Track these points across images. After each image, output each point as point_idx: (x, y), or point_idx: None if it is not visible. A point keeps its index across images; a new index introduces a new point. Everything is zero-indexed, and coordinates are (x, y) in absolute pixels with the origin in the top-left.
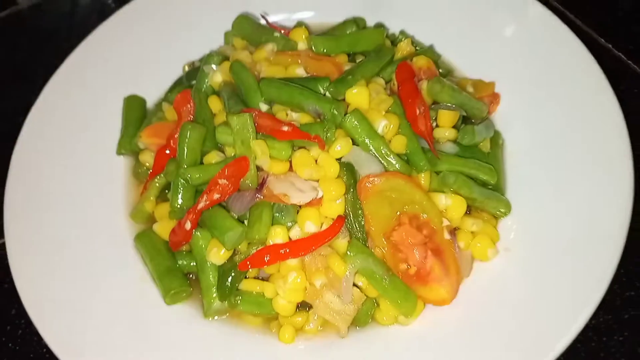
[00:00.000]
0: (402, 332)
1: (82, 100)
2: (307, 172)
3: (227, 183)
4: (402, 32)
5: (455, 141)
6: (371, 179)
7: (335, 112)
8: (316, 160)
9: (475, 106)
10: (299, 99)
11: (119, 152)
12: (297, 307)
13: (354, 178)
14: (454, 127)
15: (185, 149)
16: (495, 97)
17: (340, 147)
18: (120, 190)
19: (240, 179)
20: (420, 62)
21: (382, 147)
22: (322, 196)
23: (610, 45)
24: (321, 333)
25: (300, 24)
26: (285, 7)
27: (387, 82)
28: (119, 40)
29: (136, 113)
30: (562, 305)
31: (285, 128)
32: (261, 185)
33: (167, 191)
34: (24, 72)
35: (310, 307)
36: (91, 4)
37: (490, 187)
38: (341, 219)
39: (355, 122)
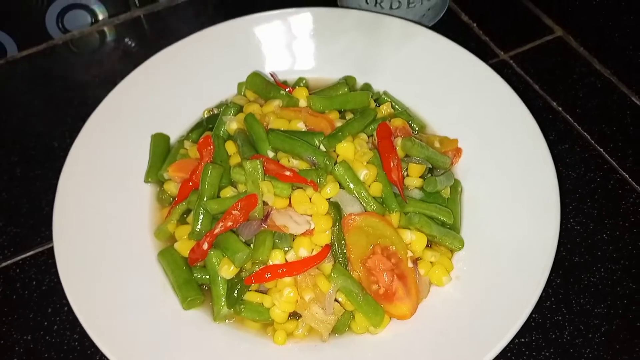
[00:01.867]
0: (371, 339)
1: (117, 136)
2: (303, 208)
3: (239, 214)
4: (385, 93)
5: (421, 188)
6: (353, 217)
7: (327, 162)
8: (310, 199)
9: (439, 159)
10: (299, 150)
11: (146, 180)
12: (289, 316)
13: (339, 215)
14: (421, 176)
15: (207, 185)
16: (458, 151)
17: (330, 190)
18: (147, 212)
19: (250, 211)
20: (397, 122)
21: (362, 191)
22: (314, 228)
23: (560, 108)
24: (307, 337)
25: (301, 80)
26: (290, 65)
27: (369, 137)
28: (147, 86)
29: (161, 148)
30: (496, 322)
31: (287, 173)
32: (266, 216)
33: (185, 216)
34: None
35: (300, 316)
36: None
37: (448, 226)
38: (328, 247)
39: (342, 170)
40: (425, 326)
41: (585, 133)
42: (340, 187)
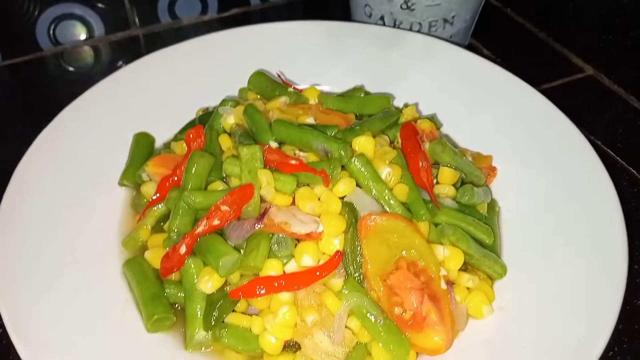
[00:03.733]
0: None
1: (91, 134)
2: (310, 206)
3: (229, 209)
4: (406, 105)
5: (454, 199)
6: (373, 217)
7: (342, 152)
8: (319, 199)
9: (473, 172)
10: (308, 137)
11: (121, 183)
12: (285, 345)
13: (355, 217)
14: (453, 185)
15: (192, 174)
16: (492, 170)
17: (344, 186)
18: (116, 218)
19: (243, 205)
20: (424, 125)
21: (384, 191)
22: (322, 231)
23: (599, 142)
24: None
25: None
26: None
27: (391, 142)
28: (135, 84)
29: (143, 149)
30: None
31: (293, 162)
32: (262, 214)
33: (162, 224)
34: (37, 109)
35: (298, 347)
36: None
37: (486, 248)
38: (340, 255)
39: (361, 165)
40: None
41: (630, 167)
42: (356, 186)
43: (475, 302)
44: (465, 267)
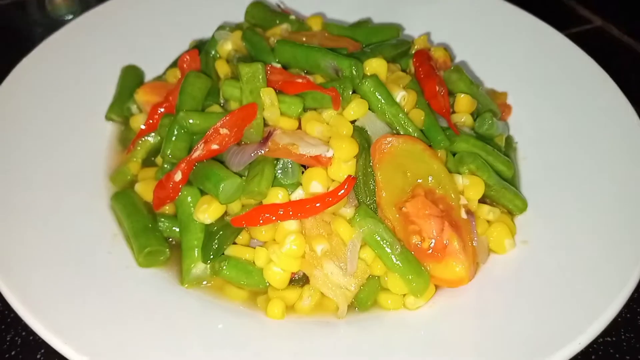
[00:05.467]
0: (409, 317)
1: (78, 64)
2: (318, 129)
3: (229, 132)
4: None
5: (472, 129)
6: (389, 139)
7: (354, 70)
8: (327, 124)
9: (489, 105)
10: (315, 56)
11: (108, 117)
12: (291, 279)
13: (367, 141)
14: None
15: (188, 96)
16: (507, 107)
17: (355, 109)
18: (103, 155)
19: (245, 128)
20: (438, 53)
21: (399, 114)
22: (332, 156)
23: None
24: (316, 312)
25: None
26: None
27: (403, 71)
28: (123, 16)
29: (132, 81)
30: (579, 308)
31: (299, 80)
32: (266, 137)
33: (153, 158)
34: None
35: (306, 280)
36: None
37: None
38: (352, 179)
39: (373, 86)
40: (484, 304)
41: None
42: (369, 110)
43: (496, 236)
44: (483, 200)
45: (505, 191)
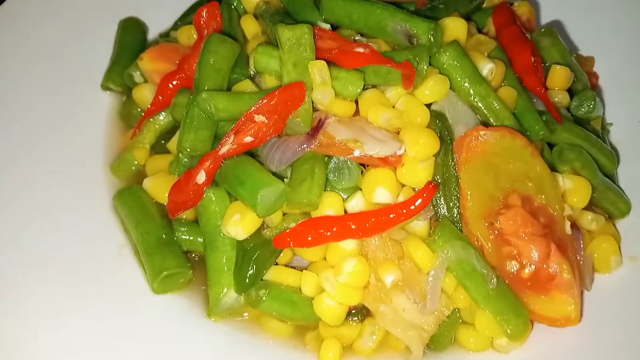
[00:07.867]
0: None
1: (66, 17)
2: (384, 116)
3: (267, 121)
4: None
5: (567, 109)
6: (483, 133)
7: (432, 36)
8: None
9: (582, 78)
10: (380, 17)
11: (105, 86)
12: (348, 313)
13: (449, 133)
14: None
15: (210, 68)
16: (594, 76)
17: (432, 87)
18: (100, 135)
19: (288, 115)
20: (522, 9)
21: (490, 96)
22: (404, 153)
23: None
24: (379, 353)
25: None
26: None
27: (479, 31)
28: None
29: (134, 39)
30: None
31: (360, 49)
32: (316, 129)
33: (164, 142)
34: None
35: (367, 314)
36: None
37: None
38: (433, 186)
39: (455, 57)
40: (596, 342)
41: None
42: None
43: (601, 252)
44: None
45: (609, 191)
